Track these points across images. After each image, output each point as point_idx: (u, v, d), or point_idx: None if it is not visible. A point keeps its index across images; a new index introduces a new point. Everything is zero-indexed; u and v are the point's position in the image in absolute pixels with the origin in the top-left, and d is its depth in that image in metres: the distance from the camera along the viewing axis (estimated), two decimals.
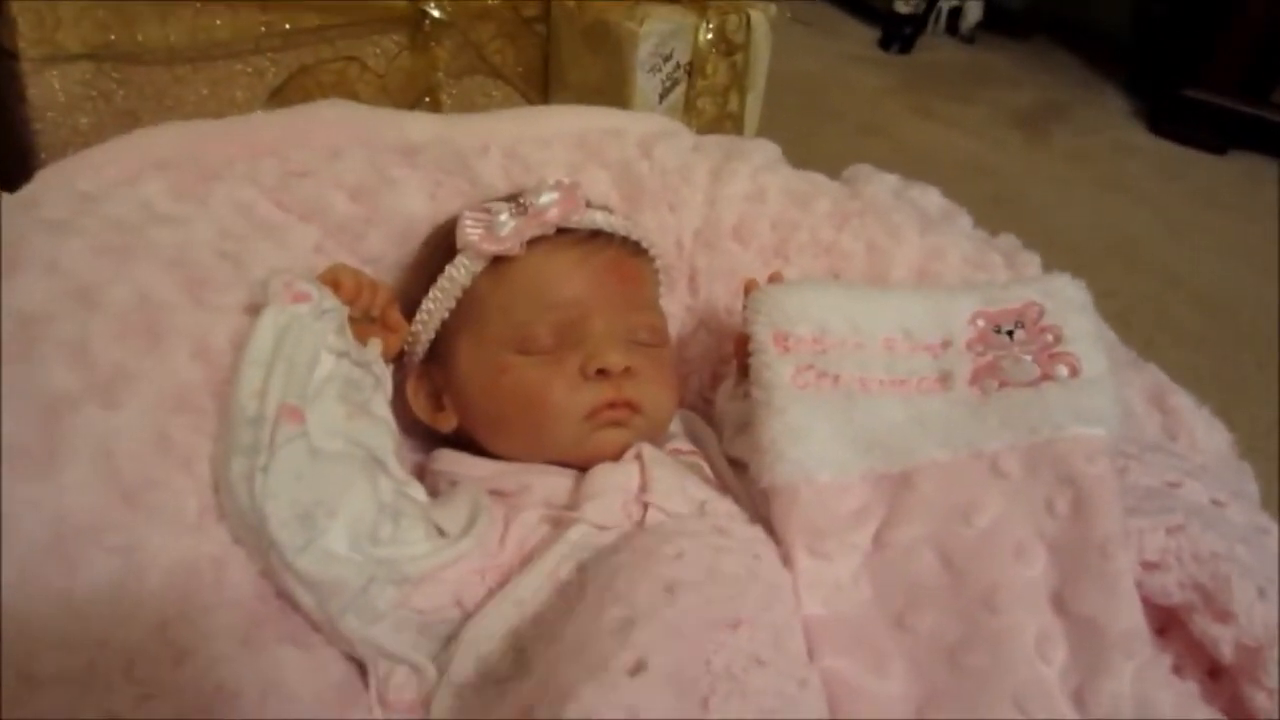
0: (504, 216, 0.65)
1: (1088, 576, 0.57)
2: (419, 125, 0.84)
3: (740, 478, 0.69)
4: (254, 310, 0.61)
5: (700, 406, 0.81)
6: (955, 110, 2.16)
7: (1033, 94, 2.29)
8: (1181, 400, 0.86)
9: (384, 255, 0.75)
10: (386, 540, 0.55)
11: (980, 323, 0.72)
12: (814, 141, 1.06)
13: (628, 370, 0.63)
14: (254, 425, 0.53)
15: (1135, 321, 1.44)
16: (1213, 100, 2.08)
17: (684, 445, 0.71)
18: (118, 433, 0.54)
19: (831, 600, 0.60)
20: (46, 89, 0.84)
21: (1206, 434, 0.83)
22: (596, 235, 0.67)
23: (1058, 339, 0.70)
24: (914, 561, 0.60)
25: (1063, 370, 0.68)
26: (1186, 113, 2.10)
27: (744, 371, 0.73)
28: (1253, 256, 1.72)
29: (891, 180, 1.01)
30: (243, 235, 0.70)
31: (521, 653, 0.54)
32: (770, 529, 0.64)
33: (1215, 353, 1.46)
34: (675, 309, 0.84)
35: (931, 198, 1.02)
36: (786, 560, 0.61)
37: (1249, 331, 1.53)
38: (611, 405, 0.63)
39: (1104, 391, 0.66)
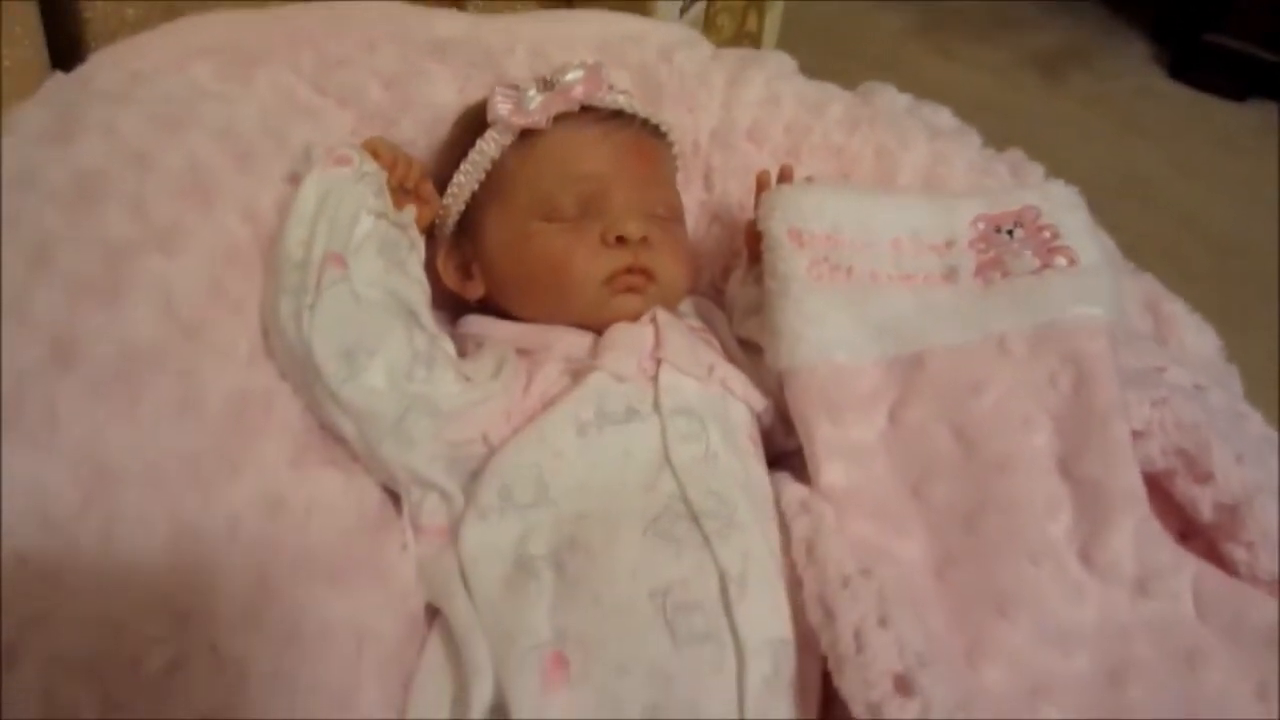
0: (532, 92, 0.69)
1: (1090, 443, 0.62)
2: (448, 23, 0.88)
3: (749, 357, 0.73)
4: (297, 180, 0.65)
5: (712, 296, 0.85)
6: (975, 51, 2.16)
7: (1054, 37, 2.28)
8: (1174, 307, 0.90)
9: (415, 140, 0.79)
10: (421, 381, 0.60)
11: (981, 225, 0.76)
12: (831, 78, 1.08)
13: (645, 239, 0.67)
14: (300, 269, 0.58)
15: (1144, 257, 1.45)
16: (1234, 47, 2.07)
17: (696, 323, 0.75)
18: (175, 277, 0.59)
19: (851, 472, 0.63)
20: None
21: (1196, 337, 0.86)
22: (618, 115, 0.71)
23: (1055, 235, 0.74)
24: (928, 436, 0.64)
25: (1061, 261, 0.71)
26: (1207, 59, 2.09)
27: (754, 259, 0.77)
28: (1265, 201, 1.73)
29: (904, 99, 1.04)
30: (284, 115, 0.74)
31: (542, 484, 0.59)
32: (782, 410, 0.69)
33: (1221, 289, 1.48)
34: (690, 204, 0.88)
35: (943, 117, 1.05)
36: (806, 435, 0.65)
37: (1256, 270, 1.55)
38: (629, 271, 0.67)
39: (1101, 277, 0.70)
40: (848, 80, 1.04)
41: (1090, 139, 1.86)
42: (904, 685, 0.50)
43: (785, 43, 1.34)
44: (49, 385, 0.51)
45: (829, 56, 1.87)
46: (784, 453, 0.72)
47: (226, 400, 0.56)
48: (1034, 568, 0.59)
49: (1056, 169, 1.01)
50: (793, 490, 0.63)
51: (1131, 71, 2.18)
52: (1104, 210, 0.76)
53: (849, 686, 0.51)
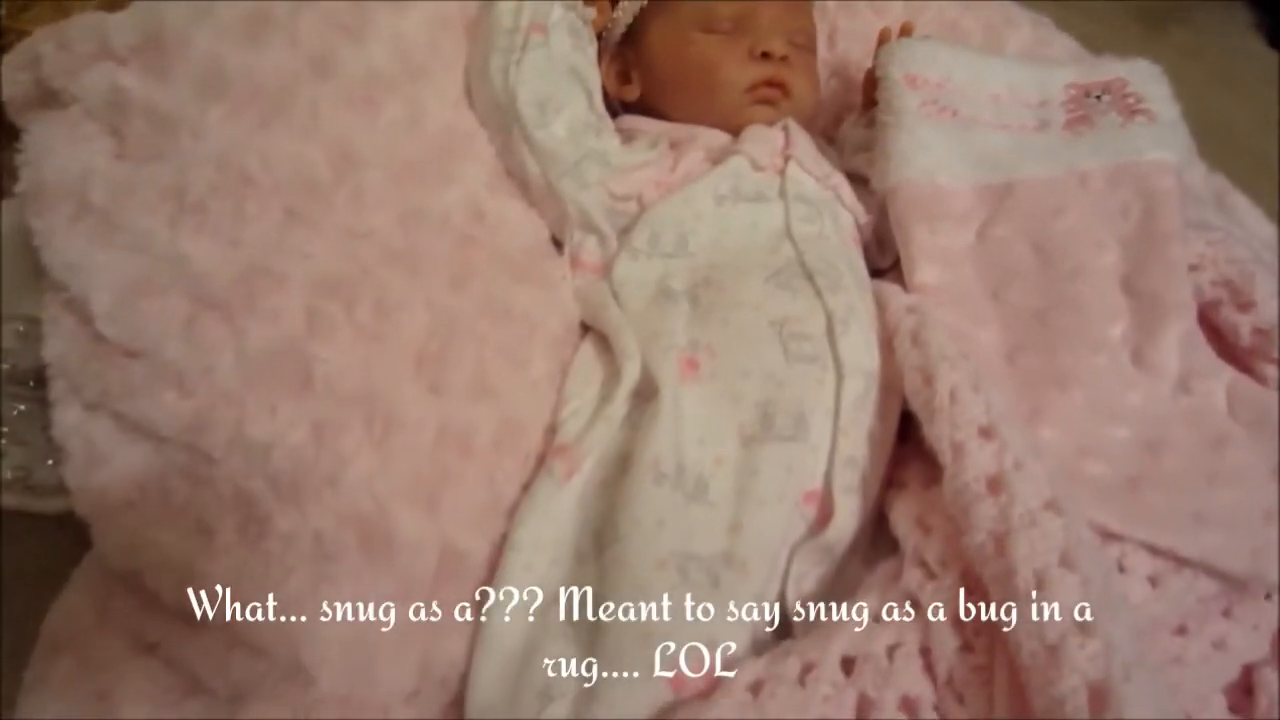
0: None
1: (1151, 261, 0.72)
2: None
3: (854, 189, 0.84)
4: None
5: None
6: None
7: None
8: (1239, 200, 1.00)
9: None
10: (593, 141, 0.72)
11: (1072, 91, 0.86)
12: None
13: (785, 58, 0.78)
14: (510, 34, 0.70)
15: None
16: None
17: None
18: (405, 29, 0.71)
19: (941, 274, 0.73)
20: None
21: (1256, 223, 0.96)
22: None
23: (1139, 100, 0.84)
24: (1010, 250, 0.74)
25: (1142, 119, 0.81)
26: None
27: (868, 105, 0.87)
28: None
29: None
30: None
31: (683, 239, 0.71)
32: (879, 233, 0.80)
33: None
34: None
35: (1045, 19, 1.14)
36: (904, 241, 0.74)
37: None
38: (769, 83, 0.78)
39: (1178, 130, 0.80)
40: None
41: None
42: (986, 432, 0.59)
43: None
44: (313, 90, 0.63)
45: None
46: (878, 271, 0.83)
47: (442, 127, 0.68)
48: (1093, 355, 0.69)
49: None
50: (901, 298, 0.71)
51: (1230, 33, 2.21)
52: None
53: (938, 430, 0.59)
